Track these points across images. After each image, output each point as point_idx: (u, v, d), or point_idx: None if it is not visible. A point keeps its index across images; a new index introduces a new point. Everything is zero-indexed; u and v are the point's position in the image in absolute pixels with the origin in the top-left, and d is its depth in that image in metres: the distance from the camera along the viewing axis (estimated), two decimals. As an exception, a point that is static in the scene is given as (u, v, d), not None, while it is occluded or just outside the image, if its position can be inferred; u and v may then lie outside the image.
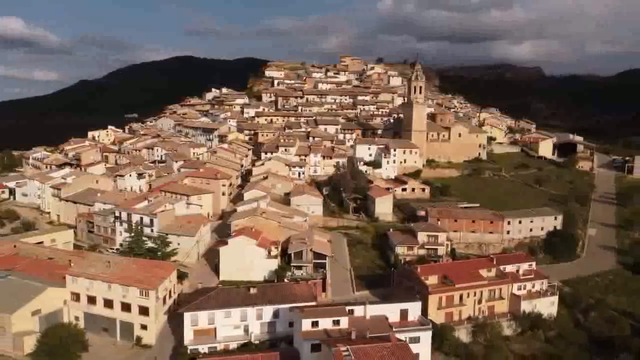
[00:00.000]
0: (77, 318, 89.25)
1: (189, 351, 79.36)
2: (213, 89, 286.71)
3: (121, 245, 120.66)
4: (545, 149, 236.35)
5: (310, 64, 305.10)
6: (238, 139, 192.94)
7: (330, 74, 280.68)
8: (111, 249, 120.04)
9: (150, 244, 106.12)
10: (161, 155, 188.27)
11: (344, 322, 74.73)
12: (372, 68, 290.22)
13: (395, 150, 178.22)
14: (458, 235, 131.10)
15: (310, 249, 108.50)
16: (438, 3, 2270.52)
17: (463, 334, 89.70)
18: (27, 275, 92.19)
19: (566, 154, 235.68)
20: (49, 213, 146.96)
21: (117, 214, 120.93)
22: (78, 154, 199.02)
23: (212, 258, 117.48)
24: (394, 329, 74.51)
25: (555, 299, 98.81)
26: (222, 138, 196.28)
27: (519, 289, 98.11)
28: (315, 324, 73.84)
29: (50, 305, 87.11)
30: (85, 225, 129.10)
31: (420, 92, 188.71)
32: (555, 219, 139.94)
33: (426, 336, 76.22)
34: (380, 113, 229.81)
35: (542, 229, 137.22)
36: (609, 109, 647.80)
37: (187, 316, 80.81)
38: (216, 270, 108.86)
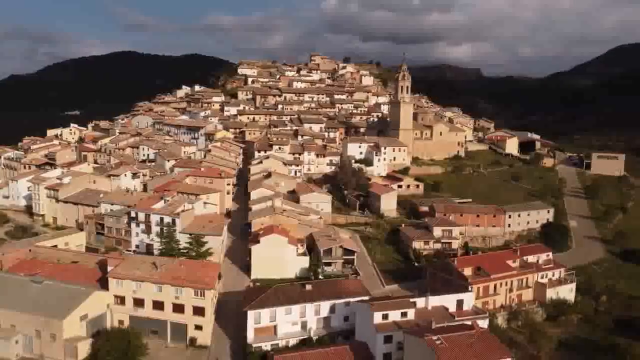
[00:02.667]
0: (121, 322, 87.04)
1: (253, 349, 79.56)
2: (184, 86, 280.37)
3: (137, 246, 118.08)
4: (512, 146, 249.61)
5: (281, 62, 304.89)
6: (226, 138, 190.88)
7: (303, 72, 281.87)
8: (127, 250, 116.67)
9: (184, 244, 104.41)
10: (148, 154, 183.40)
11: (411, 313, 77.61)
12: (344, 67, 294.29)
13: (385, 148, 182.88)
14: (463, 229, 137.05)
15: (340, 246, 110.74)
16: (381, 4, 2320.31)
17: (499, 321, 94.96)
18: (60, 280, 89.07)
19: (526, 151, 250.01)
20: (42, 215, 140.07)
21: (132, 214, 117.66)
22: (52, 153, 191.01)
23: (235, 257, 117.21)
24: (456, 318, 78.48)
25: (574, 286, 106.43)
26: (209, 136, 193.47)
27: (542, 277, 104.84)
28: (385, 316, 76.19)
29: (95, 309, 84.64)
30: (93, 227, 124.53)
31: (407, 92, 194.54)
32: (548, 212, 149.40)
33: (484, 324, 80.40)
34: (359, 112, 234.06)
35: (537, 221, 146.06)
36: (540, 109, 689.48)
37: (250, 314, 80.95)
38: (247, 269, 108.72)
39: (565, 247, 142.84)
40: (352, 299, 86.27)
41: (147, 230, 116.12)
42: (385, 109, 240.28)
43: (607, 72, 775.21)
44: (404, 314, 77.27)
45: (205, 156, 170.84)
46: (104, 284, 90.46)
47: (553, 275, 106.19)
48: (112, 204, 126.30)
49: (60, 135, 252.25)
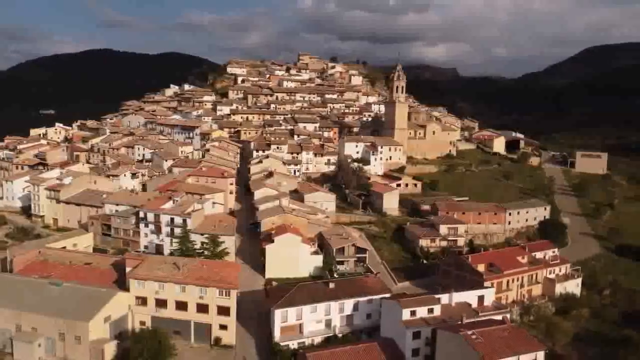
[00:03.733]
0: (142, 323, 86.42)
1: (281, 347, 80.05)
2: (172, 85, 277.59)
3: (146, 247, 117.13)
4: (499, 145, 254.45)
5: (270, 61, 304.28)
6: (222, 137, 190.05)
7: (292, 72, 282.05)
8: (137, 251, 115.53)
9: (200, 244, 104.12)
10: (143, 154, 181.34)
11: (437, 309, 79.18)
12: (333, 67, 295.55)
13: (382, 147, 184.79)
14: (467, 226, 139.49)
15: (352, 244, 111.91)
16: (358, 3, 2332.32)
17: (513, 316, 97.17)
18: (78, 282, 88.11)
19: (511, 150, 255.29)
20: (42, 217, 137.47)
21: (141, 215, 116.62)
22: (43, 153, 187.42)
23: (246, 256, 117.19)
24: (480, 314, 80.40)
25: (579, 281, 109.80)
26: (204, 136, 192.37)
27: (549, 273, 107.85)
28: (413, 312, 77.56)
29: (117, 311, 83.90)
30: (99, 228, 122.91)
31: (402, 92, 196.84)
32: (545, 209, 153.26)
33: (505, 318, 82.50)
34: (351, 111, 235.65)
35: (535, 218, 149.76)
36: (517, 108, 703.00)
37: (278, 313, 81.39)
38: (260, 268, 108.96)
39: (562, 243, 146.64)
40: (374, 297, 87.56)
41: (157, 231, 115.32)
42: (376, 108, 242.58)
43: (581, 72, 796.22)
44: (430, 310, 78.77)
45: (203, 156, 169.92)
46: (120, 285, 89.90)
47: (560, 271, 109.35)
48: (117, 205, 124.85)
49: (45, 134, 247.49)
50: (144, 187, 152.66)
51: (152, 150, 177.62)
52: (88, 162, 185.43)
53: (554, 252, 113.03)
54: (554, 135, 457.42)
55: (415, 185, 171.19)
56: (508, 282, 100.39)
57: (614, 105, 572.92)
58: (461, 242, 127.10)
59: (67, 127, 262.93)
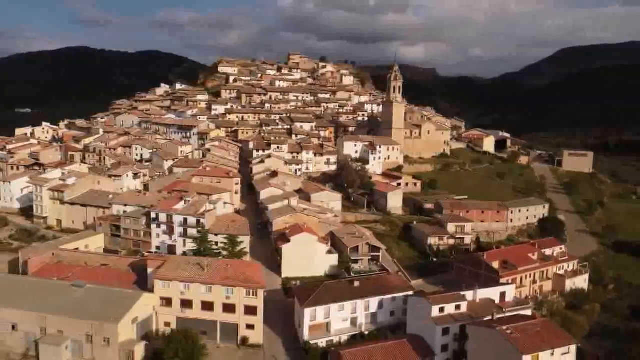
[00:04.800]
0: (167, 324, 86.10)
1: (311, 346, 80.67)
2: (162, 85, 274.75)
3: (158, 248, 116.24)
4: (489, 145, 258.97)
5: (260, 60, 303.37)
6: (221, 137, 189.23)
7: (284, 71, 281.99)
8: (149, 251, 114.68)
9: (219, 245, 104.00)
10: (141, 154, 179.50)
11: (464, 306, 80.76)
12: (324, 67, 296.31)
13: (380, 147, 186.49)
14: (472, 225, 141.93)
15: (367, 243, 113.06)
16: (338, 3, 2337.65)
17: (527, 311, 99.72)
18: (96, 283, 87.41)
19: (498, 149, 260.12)
20: (44, 218, 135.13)
21: (153, 215, 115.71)
22: (36, 153, 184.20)
23: (258, 256, 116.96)
24: (504, 310, 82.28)
25: (587, 276, 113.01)
26: (202, 136, 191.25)
27: (559, 269, 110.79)
28: (442, 309, 79.03)
29: (143, 312, 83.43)
30: (108, 229, 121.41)
31: (399, 92, 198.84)
32: (544, 207, 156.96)
33: (528, 313, 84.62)
34: (345, 111, 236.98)
35: (534, 216, 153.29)
36: (497, 108, 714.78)
37: (307, 312, 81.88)
38: (276, 267, 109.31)
39: (561, 240, 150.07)
40: (398, 295, 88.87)
41: (170, 232, 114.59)
42: (369, 108, 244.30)
43: (558, 72, 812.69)
44: (457, 307, 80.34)
45: (204, 155, 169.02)
46: (141, 287, 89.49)
47: (568, 267, 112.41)
48: (125, 205, 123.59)
49: (32, 134, 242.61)
50: (146, 188, 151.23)
51: (150, 150, 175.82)
52: (83, 162, 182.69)
53: (561, 249, 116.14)
54: (534, 134, 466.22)
55: (415, 184, 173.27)
56: (522, 278, 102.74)
57: (591, 106, 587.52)
58: (468, 239, 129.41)
59: (54, 127, 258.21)
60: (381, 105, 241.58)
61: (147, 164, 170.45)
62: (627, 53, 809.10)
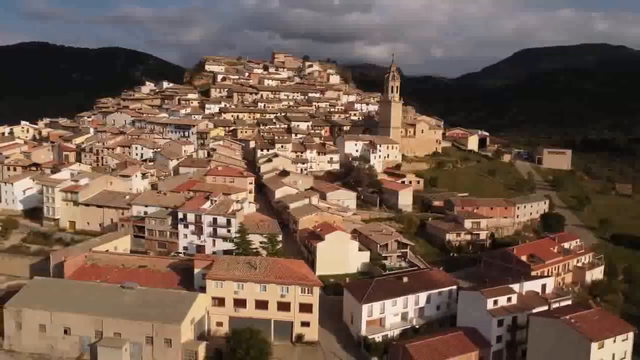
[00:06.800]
0: (219, 323, 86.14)
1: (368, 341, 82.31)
2: (147, 82, 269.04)
3: (185, 248, 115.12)
4: (473, 143, 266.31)
5: (246, 59, 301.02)
6: (222, 136, 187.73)
7: (271, 70, 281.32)
8: (177, 252, 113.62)
9: (258, 244, 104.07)
10: (142, 154, 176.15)
11: (514, 298, 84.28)
12: (311, 66, 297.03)
13: (380, 146, 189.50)
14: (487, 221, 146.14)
15: (396, 240, 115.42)
16: (302, 2, 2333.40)
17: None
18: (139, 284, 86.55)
19: (479, 147, 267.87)
20: (56, 220, 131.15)
21: (180, 216, 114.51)
22: (28, 153, 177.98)
23: (285, 254, 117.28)
24: (549, 301, 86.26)
25: (602, 268, 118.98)
26: (201, 135, 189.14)
27: (578, 262, 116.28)
28: (495, 302, 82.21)
29: (198, 312, 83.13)
30: (130, 230, 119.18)
31: (396, 92, 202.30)
32: (545, 203, 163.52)
33: (591, 303, 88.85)
34: (336, 110, 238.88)
35: (537, 212, 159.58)
36: (461, 108, 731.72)
37: (365, 308, 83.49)
38: (310, 265, 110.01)
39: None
40: (444, 289, 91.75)
41: (198, 232, 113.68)
42: (359, 107, 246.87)
43: (515, 73, 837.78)
44: (509, 299, 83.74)
45: (209, 154, 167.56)
46: (186, 287, 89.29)
47: (585, 260, 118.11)
48: (146, 206, 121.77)
49: (11, 133, 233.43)
50: (153, 187, 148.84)
51: (152, 150, 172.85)
52: (79, 162, 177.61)
53: (577, 242, 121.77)
54: (500, 133, 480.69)
55: (418, 182, 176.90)
56: (548, 271, 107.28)
57: (548, 106, 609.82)
58: (483, 235, 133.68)
59: (34, 125, 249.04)
60: (369, 105, 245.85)
61: (150, 163, 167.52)
62: (577, 55, 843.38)
